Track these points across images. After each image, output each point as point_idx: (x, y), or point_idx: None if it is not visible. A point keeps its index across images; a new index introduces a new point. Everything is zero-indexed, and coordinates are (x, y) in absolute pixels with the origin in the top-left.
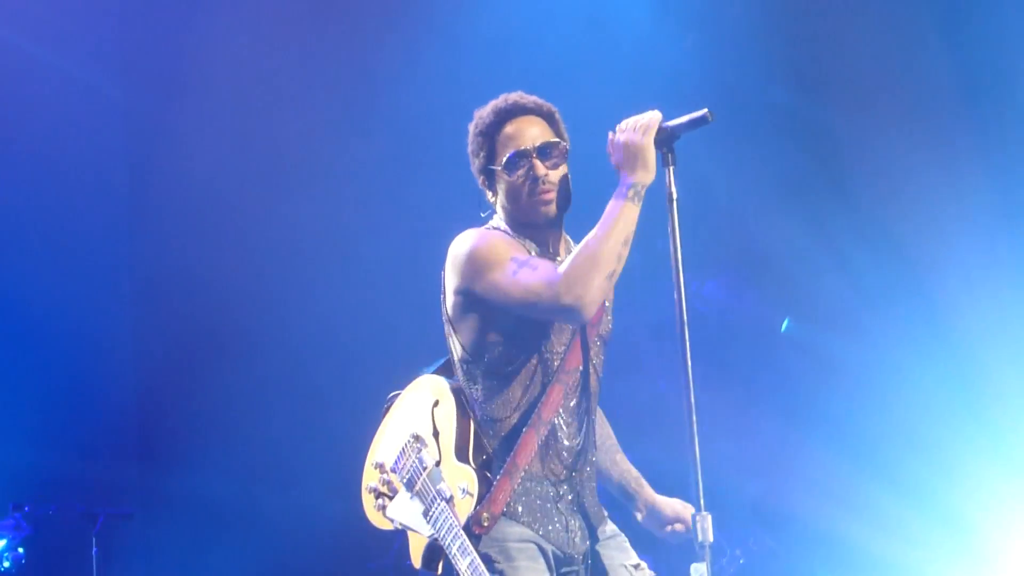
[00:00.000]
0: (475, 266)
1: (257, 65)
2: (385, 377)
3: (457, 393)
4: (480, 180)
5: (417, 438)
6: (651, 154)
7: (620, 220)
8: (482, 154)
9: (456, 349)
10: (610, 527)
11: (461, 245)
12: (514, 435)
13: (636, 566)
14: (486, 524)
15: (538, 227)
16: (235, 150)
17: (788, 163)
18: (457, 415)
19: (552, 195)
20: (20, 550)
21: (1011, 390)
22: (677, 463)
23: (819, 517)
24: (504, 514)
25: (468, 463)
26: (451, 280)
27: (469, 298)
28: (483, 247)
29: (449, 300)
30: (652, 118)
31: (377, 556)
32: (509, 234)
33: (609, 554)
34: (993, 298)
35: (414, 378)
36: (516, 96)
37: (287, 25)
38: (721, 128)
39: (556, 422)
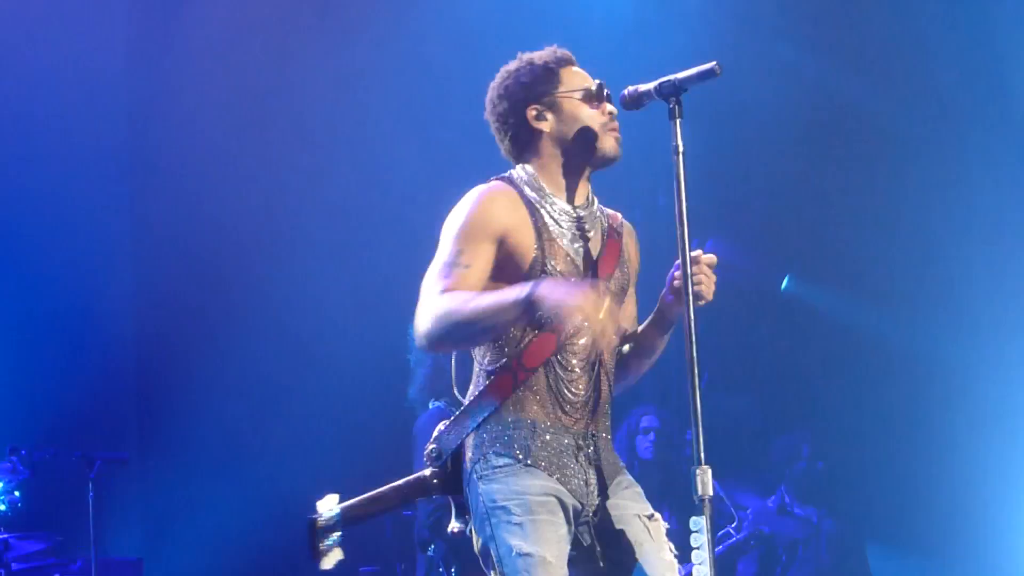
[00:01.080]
0: (446, 234)
1: (261, 49)
2: (383, 337)
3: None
4: (530, 113)
5: None
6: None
7: (498, 314)
8: (543, 83)
9: None
10: (626, 478)
11: (458, 207)
12: (490, 376)
13: (650, 516)
14: (434, 456)
15: (584, 166)
16: (237, 128)
17: (794, 123)
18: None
19: (619, 137)
20: (16, 493)
21: (1002, 345)
22: (677, 422)
23: (806, 475)
24: (529, 464)
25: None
26: None
27: None
28: (463, 222)
29: None
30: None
31: None
32: (532, 185)
33: (623, 504)
34: (989, 252)
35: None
36: None
37: (293, 11)
38: (727, 84)
39: (555, 372)
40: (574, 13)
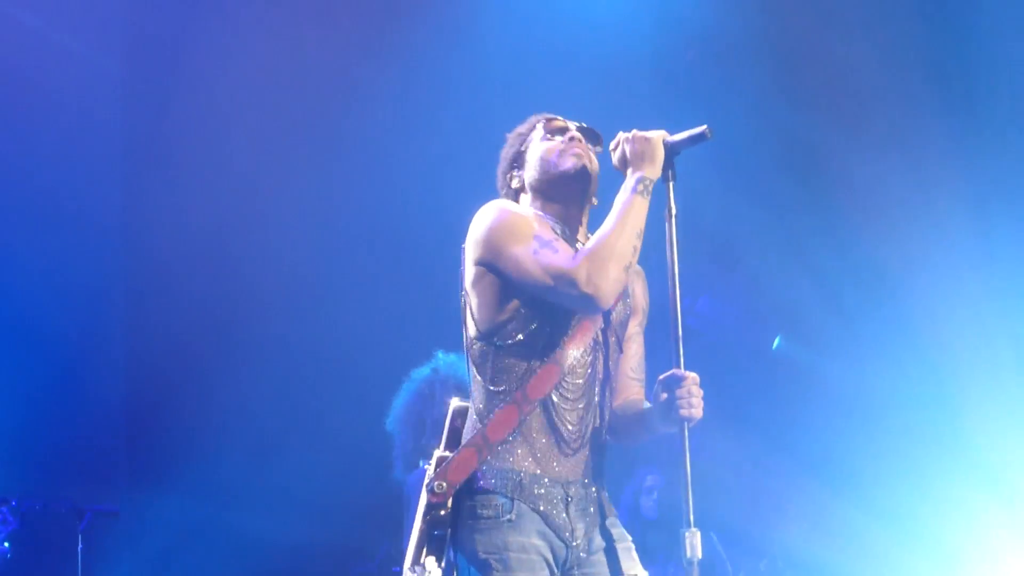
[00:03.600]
0: (499, 237)
1: (261, 55)
2: (370, 387)
3: (456, 411)
4: (508, 176)
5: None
6: (659, 151)
7: (631, 214)
8: (514, 147)
9: (469, 324)
10: (617, 531)
11: (486, 215)
12: (495, 409)
13: None
14: (439, 492)
15: (564, 195)
16: (234, 141)
17: (771, 182)
18: (450, 420)
19: (582, 153)
20: (6, 544)
21: (988, 408)
22: (664, 479)
23: (797, 535)
24: (511, 518)
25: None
26: (473, 250)
27: (489, 269)
28: (508, 219)
29: (468, 272)
30: (658, 131)
31: (363, 562)
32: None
33: (611, 562)
34: (971, 316)
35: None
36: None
37: (296, 12)
38: (713, 147)
39: (554, 405)
40: (562, 77)
